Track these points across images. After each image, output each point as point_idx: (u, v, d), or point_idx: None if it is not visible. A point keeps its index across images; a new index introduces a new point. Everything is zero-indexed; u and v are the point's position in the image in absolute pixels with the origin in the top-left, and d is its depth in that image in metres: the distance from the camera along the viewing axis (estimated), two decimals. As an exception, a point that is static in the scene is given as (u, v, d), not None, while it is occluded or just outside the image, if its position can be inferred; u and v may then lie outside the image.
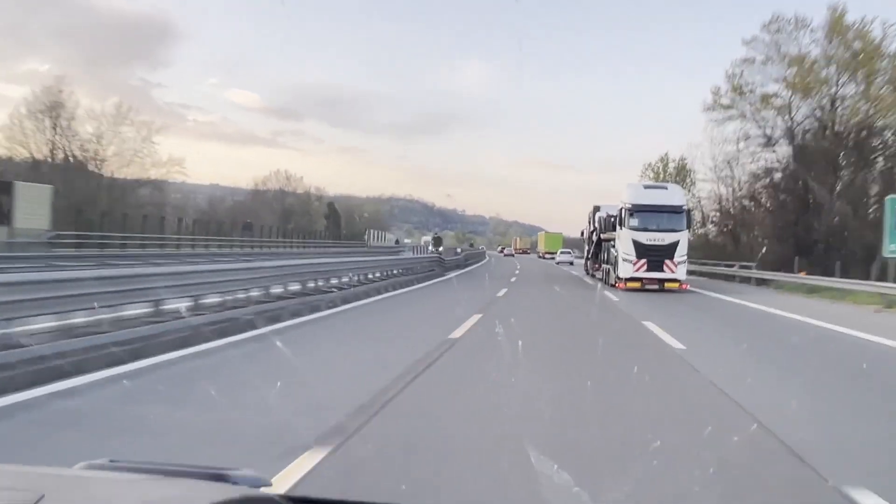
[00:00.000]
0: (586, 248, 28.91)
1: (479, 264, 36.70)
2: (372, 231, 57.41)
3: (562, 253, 51.20)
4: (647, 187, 21.06)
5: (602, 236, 23.19)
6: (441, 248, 28.62)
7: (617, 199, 20.50)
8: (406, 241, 61.64)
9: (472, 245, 76.10)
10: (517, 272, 30.45)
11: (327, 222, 55.45)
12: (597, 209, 25.47)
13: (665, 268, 18.24)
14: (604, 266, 22.54)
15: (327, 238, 48.25)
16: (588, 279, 25.48)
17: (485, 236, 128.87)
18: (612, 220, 21.04)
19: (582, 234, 30.60)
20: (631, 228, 18.59)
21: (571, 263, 44.39)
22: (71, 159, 32.04)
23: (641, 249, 18.26)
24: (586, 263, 28.76)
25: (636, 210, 18.68)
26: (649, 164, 45.31)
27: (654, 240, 18.33)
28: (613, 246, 20.27)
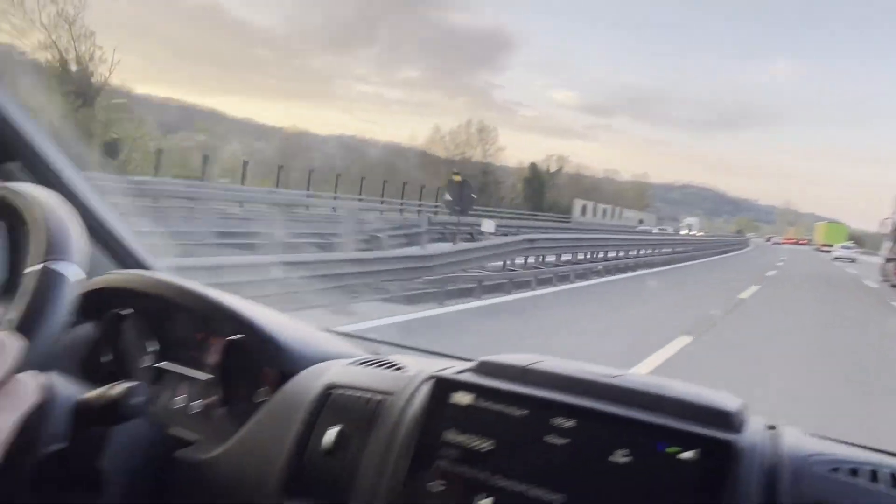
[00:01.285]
0: (887, 244, 20.47)
1: (711, 258, 28.05)
2: (594, 205, 49.65)
3: (842, 248, 41.45)
4: None
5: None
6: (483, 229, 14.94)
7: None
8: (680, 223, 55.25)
9: (739, 232, 68.15)
10: (779, 264, 23.92)
11: (526, 188, 47.58)
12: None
13: None
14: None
15: (520, 207, 40.49)
16: (889, 291, 16.82)
17: (773, 224, 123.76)
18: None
19: (883, 223, 21.68)
20: None
21: (852, 261, 35.13)
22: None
23: None
24: (884, 267, 19.58)
25: None
26: None
27: None
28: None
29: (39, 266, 0.61)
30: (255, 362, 0.86)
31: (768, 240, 72.49)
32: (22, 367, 0.45)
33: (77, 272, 0.62)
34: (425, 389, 0.71)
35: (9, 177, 0.98)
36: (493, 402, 0.67)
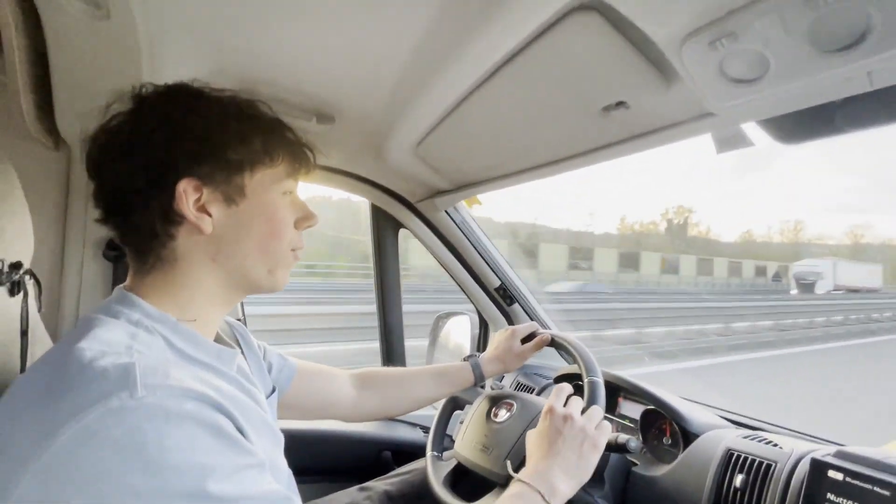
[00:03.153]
0: None
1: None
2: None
3: None
4: None
5: None
6: None
7: None
8: None
9: None
10: None
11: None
12: None
13: None
14: None
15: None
16: None
17: None
18: None
19: None
20: None
21: None
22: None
23: None
24: None
25: None
26: None
27: None
28: None
29: (588, 379, 1.17)
30: (662, 422, 1.37)
31: None
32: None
33: (601, 379, 1.18)
34: (804, 464, 1.12)
35: (517, 314, 1.70)
36: (859, 481, 1.06)
